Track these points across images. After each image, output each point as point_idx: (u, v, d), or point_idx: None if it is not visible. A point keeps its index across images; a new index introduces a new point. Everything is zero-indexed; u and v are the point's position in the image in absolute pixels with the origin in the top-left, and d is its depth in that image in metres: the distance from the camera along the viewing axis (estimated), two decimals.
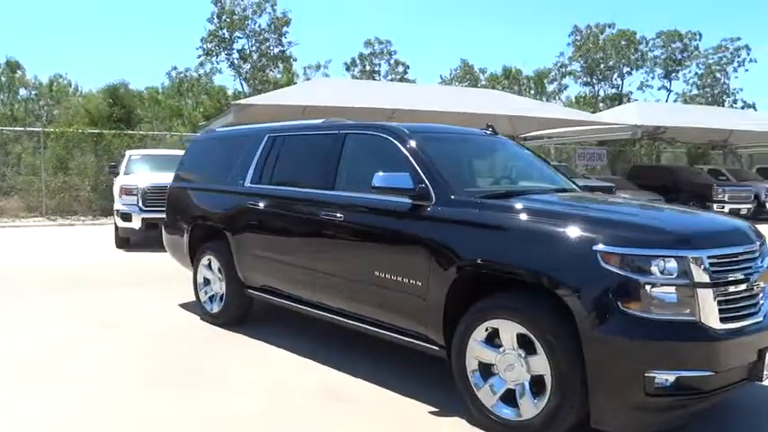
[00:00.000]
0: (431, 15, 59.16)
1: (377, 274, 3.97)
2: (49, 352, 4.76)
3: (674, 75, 34.26)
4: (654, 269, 2.89)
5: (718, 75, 33.74)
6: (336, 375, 4.28)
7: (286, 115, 15.52)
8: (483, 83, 31.68)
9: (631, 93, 33.93)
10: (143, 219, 10.61)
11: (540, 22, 59.33)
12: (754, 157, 26.83)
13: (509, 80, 32.34)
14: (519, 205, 3.45)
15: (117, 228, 11.03)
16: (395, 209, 3.91)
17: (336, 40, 57.30)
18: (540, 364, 3.14)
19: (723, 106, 32.09)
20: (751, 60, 33.76)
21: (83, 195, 16.68)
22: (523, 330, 3.20)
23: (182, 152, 13.82)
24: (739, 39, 34.18)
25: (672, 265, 2.89)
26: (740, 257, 3.13)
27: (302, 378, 4.23)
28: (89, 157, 16.89)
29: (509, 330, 3.27)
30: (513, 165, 4.73)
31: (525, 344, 3.23)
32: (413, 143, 4.08)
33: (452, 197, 3.70)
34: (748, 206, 17.45)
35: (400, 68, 33.55)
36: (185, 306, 6.32)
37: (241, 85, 22.22)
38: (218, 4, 22.14)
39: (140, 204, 10.72)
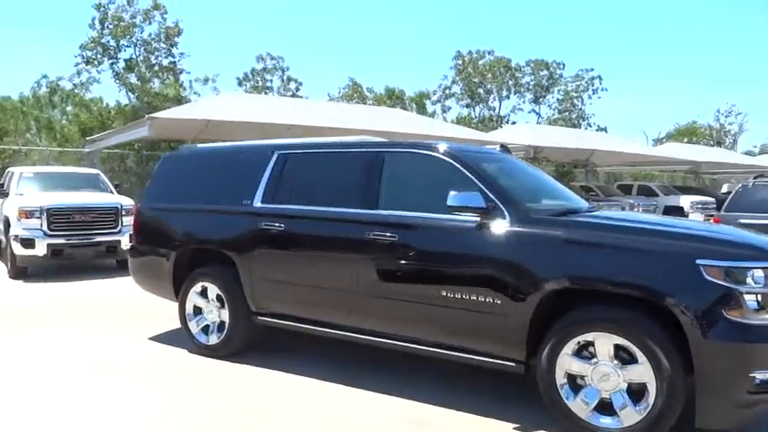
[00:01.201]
0: (322, 33, 59.89)
1: (443, 293, 3.93)
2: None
3: (541, 99, 37.98)
4: (749, 279, 3.20)
5: (575, 101, 38.01)
6: (406, 403, 4.13)
7: (198, 129, 14.82)
8: (370, 102, 32.46)
9: (509, 115, 37.10)
10: (48, 245, 9.44)
11: (427, 46, 62.51)
12: (610, 174, 30.36)
13: (392, 100, 33.50)
14: (609, 223, 3.65)
15: (13, 256, 9.66)
16: (463, 227, 3.92)
17: (224, 55, 55.66)
18: (642, 372, 3.32)
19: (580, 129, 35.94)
20: (603, 89, 38.60)
21: None
22: (622, 341, 3.36)
23: (82, 170, 12.66)
24: (593, 69, 38.90)
25: (760, 274, 3.23)
26: None
27: (375, 410, 4.03)
28: None
29: (605, 342, 3.42)
30: (536, 183, 4.91)
31: (621, 354, 3.41)
32: (470, 162, 4.12)
33: (530, 215, 3.80)
34: None
35: (292, 85, 33.41)
36: (158, 339, 5.73)
37: (127, 96, 20.60)
38: (101, 10, 20.30)
39: (45, 228, 9.53)
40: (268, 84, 33.56)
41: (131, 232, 10.20)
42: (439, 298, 3.95)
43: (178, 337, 5.70)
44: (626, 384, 3.40)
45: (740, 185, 8.66)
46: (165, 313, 6.59)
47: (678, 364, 3.24)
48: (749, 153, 41.03)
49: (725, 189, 34.30)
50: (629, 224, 3.74)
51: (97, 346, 5.52)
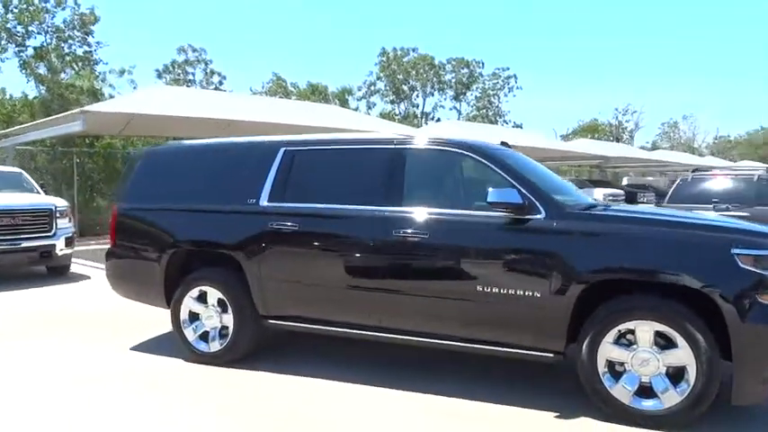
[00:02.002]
0: (245, 26, 58.12)
1: (479, 289, 3.97)
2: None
3: (462, 97, 39.07)
4: None
5: (492, 99, 39.48)
6: (436, 398, 4.12)
7: (123, 123, 13.89)
8: (294, 98, 31.90)
9: (433, 112, 37.88)
10: None
11: (351, 42, 62.34)
12: None
13: (315, 95, 33.12)
14: (644, 216, 3.83)
15: None
16: (497, 223, 3.97)
17: (141, 46, 52.44)
18: (682, 356, 3.53)
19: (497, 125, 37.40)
20: (518, 87, 40.38)
21: None
22: (663, 328, 3.56)
23: (2, 168, 11.48)
24: (509, 68, 40.56)
25: None
26: None
27: (405, 406, 4.00)
28: None
29: (647, 329, 3.60)
30: (549, 178, 4.98)
31: (658, 340, 3.61)
32: (498, 159, 4.19)
33: (564, 210, 3.92)
34: None
35: (216, 78, 32.06)
36: (143, 349, 5.35)
37: (36, 88, 18.80)
38: None
39: None
40: (190, 77, 32.24)
41: (68, 235, 9.65)
42: (474, 293, 3.98)
43: (165, 346, 5.38)
44: (665, 368, 3.60)
45: (680, 179, 9.38)
46: (139, 320, 6.21)
47: (714, 347, 3.48)
48: (643, 148, 44.40)
49: (625, 181, 37.03)
50: (662, 217, 3.96)
51: (75, 359, 5.07)
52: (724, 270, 3.47)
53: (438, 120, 34.26)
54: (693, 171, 9.45)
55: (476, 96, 39.71)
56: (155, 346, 5.47)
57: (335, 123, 16.98)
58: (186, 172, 5.20)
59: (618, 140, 45.64)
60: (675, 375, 3.59)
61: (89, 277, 9.51)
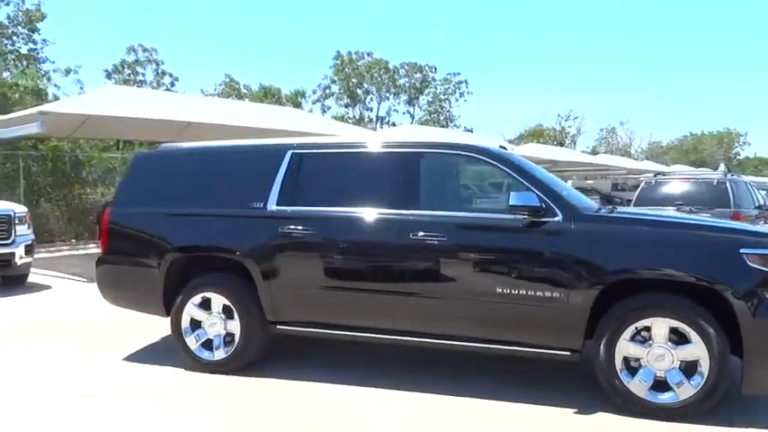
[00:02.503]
0: (198, 27, 56.63)
1: (499, 290, 4.06)
2: None
3: (415, 101, 39.50)
4: None
5: (443, 104, 40.13)
6: (456, 399, 4.18)
7: (76, 125, 13.29)
8: (247, 100, 31.36)
9: (388, 116, 38.11)
10: None
11: (304, 45, 61.86)
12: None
13: (268, 98, 32.67)
14: (656, 219, 4.02)
15: None
16: (515, 226, 4.08)
17: (87, 45, 50.13)
18: (695, 350, 3.72)
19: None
20: (469, 92, 41.26)
21: None
22: (678, 324, 3.75)
23: None
24: (459, 74, 41.34)
25: None
26: None
27: (426, 407, 4.04)
28: None
29: (662, 326, 3.78)
30: (555, 181, 5.05)
31: (672, 336, 3.80)
32: (515, 164, 4.31)
33: (580, 212, 4.06)
34: None
35: (167, 80, 31.03)
36: (137, 359, 5.17)
37: None
38: None
39: None
40: (140, 77, 31.14)
41: (27, 243, 9.15)
42: (494, 295, 4.07)
43: (158, 355, 5.24)
44: (679, 363, 3.79)
45: (644, 183, 9.84)
46: (122, 330, 6.03)
47: (725, 342, 3.69)
48: (584, 153, 46.15)
49: (569, 184, 38.59)
50: (671, 220, 4.17)
51: (67, 372, 4.84)
52: (734, 269, 3.69)
53: (393, 124, 34.57)
54: (656, 175, 9.95)
55: (427, 101, 40.37)
56: (147, 356, 5.29)
57: (296, 127, 16.82)
58: (186, 175, 5.07)
59: (561, 145, 47.26)
60: (688, 369, 3.79)
61: (50, 287, 9.08)
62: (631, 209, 5.05)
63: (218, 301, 4.78)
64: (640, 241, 3.90)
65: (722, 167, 11.45)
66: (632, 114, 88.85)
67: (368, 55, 38.02)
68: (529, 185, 4.13)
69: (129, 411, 4.04)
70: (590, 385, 4.17)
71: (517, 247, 4.11)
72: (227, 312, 4.77)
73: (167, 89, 29.78)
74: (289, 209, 4.62)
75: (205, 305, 4.83)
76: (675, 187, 9.37)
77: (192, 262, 4.95)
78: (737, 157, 64.54)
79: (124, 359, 5.21)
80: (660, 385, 3.84)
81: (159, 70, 31.85)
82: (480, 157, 4.37)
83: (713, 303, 3.77)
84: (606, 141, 59.77)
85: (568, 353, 4.02)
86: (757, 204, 9.64)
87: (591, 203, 4.60)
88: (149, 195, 5.12)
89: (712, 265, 3.73)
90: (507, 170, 4.26)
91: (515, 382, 4.49)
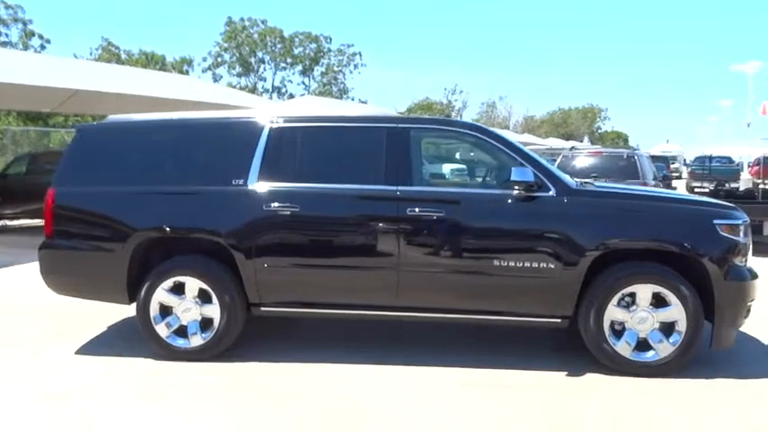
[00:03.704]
0: None
1: (497, 263, 4.18)
2: None
3: (309, 72, 38.53)
4: (741, 233, 4.19)
5: (337, 75, 39.65)
6: (452, 370, 4.26)
7: None
8: (127, 66, 28.72)
9: (283, 86, 36.78)
10: None
11: (191, 11, 57.40)
12: None
13: (152, 65, 30.23)
14: (640, 193, 4.31)
15: None
16: (513, 200, 4.18)
17: None
18: (674, 312, 4.09)
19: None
20: (362, 65, 41.11)
21: None
22: (660, 289, 4.09)
23: None
24: (353, 45, 40.90)
25: (745, 229, 4.24)
26: None
27: (424, 378, 4.08)
28: None
29: (646, 291, 4.11)
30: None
31: (653, 300, 4.14)
32: (504, 140, 4.40)
33: (570, 187, 4.25)
34: None
35: (36, 42, 27.38)
36: (92, 352, 4.71)
37: None
38: None
39: None
40: (3, 38, 27.36)
41: None
42: (491, 267, 4.18)
43: (117, 345, 4.84)
44: (658, 324, 4.15)
45: (562, 156, 10.47)
46: (65, 319, 5.45)
47: (699, 303, 4.09)
48: None
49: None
50: (653, 194, 4.49)
51: (21, 372, 4.32)
52: (709, 237, 4.08)
53: (291, 95, 33.65)
54: (571, 149, 10.63)
55: (321, 72, 39.81)
56: (102, 347, 4.85)
57: (196, 96, 15.91)
58: (152, 150, 4.64)
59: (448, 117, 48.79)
60: (666, 330, 4.16)
61: None
62: (616, 184, 5.38)
63: (192, 284, 4.46)
64: (627, 214, 4.19)
65: (586, 140, 12.47)
66: (510, 90, 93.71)
67: (262, 23, 36.58)
68: (523, 162, 4.25)
69: (114, 411, 3.70)
70: (571, 348, 4.45)
71: (514, 220, 4.24)
72: (204, 296, 4.47)
73: (36, 52, 26.60)
74: (272, 185, 4.39)
75: (177, 290, 4.49)
76: (589, 161, 10.10)
77: (162, 244, 4.57)
78: (599, 130, 70.53)
79: (77, 352, 4.73)
80: (642, 346, 4.18)
81: (27, 30, 28.30)
82: (475, 134, 4.42)
83: (687, 270, 4.14)
84: (488, 115, 62.66)
85: (560, 320, 4.24)
86: (654, 176, 10.65)
87: (572, 179, 4.85)
88: (105, 173, 4.61)
89: (692, 235, 4.09)
90: (502, 147, 4.35)
91: (505, 351, 4.66)
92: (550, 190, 4.20)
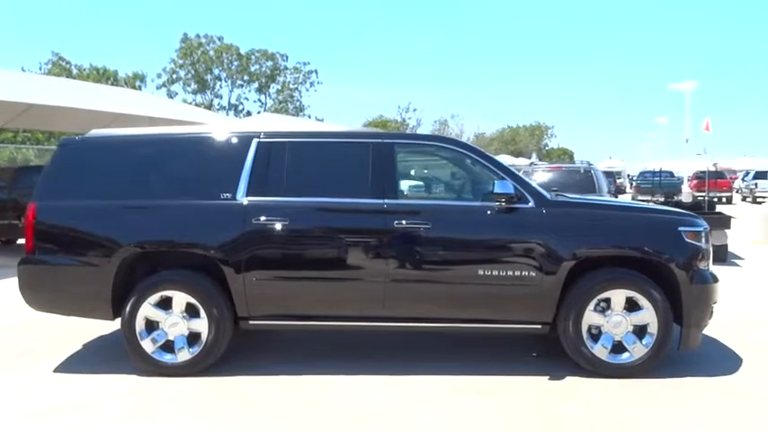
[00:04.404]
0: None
1: (480, 273, 4.36)
2: None
3: (265, 90, 38.33)
4: (703, 239, 4.51)
5: (294, 93, 39.60)
6: (442, 378, 4.37)
7: None
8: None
9: (239, 104, 36.39)
10: None
11: (145, 26, 56.12)
12: None
13: (104, 81, 29.41)
14: (611, 203, 4.58)
15: None
16: (492, 212, 4.38)
17: None
18: (646, 316, 4.36)
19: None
20: (319, 82, 41.35)
21: None
22: (633, 294, 4.35)
23: None
24: (309, 63, 41.06)
25: (706, 236, 4.57)
26: None
27: (415, 388, 4.19)
28: None
29: (620, 296, 4.36)
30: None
31: (626, 304, 4.40)
32: (484, 155, 4.61)
33: (547, 199, 4.49)
34: None
35: None
36: (71, 369, 4.64)
37: None
38: None
39: None
40: None
41: None
42: (476, 277, 4.36)
43: (97, 362, 4.79)
44: (631, 327, 4.41)
45: (522, 171, 10.83)
46: (33, 338, 5.36)
47: (668, 306, 4.38)
48: None
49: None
50: (624, 204, 4.78)
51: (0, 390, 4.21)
52: (676, 244, 4.39)
53: (249, 113, 33.40)
54: (530, 164, 11.04)
55: (276, 89, 39.72)
56: (84, 364, 4.78)
57: (152, 112, 15.67)
58: (137, 165, 4.62)
59: None
60: (639, 332, 4.42)
61: None
62: (587, 196, 5.68)
63: (180, 299, 4.46)
64: (601, 223, 4.46)
65: (534, 157, 13.01)
66: (461, 108, 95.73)
67: (218, 39, 36.34)
68: (503, 175, 4.47)
69: (107, 426, 3.67)
70: (551, 354, 4.67)
71: (495, 232, 4.44)
72: (191, 311, 4.47)
73: None
74: (262, 199, 4.45)
75: (164, 304, 4.48)
76: (549, 175, 10.51)
77: (148, 258, 4.56)
78: (546, 147, 72.75)
79: (56, 371, 4.64)
80: (617, 348, 4.43)
81: None
82: (456, 148, 4.62)
83: (655, 275, 4.43)
84: (440, 132, 63.70)
85: (540, 326, 4.45)
86: (609, 190, 11.17)
87: (547, 192, 5.11)
88: (89, 187, 4.58)
89: (661, 242, 4.39)
90: (481, 160, 4.56)
91: (488, 358, 4.83)
92: (529, 202, 4.43)
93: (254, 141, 4.60)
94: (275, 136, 4.67)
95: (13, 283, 6.81)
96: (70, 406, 3.96)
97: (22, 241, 11.55)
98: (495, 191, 4.27)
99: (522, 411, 3.87)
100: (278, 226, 4.41)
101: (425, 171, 4.79)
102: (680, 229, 4.43)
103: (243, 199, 4.45)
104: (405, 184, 4.59)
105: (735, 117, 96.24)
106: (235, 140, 4.66)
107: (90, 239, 4.51)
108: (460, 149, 4.63)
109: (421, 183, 4.74)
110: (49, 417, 3.79)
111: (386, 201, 4.42)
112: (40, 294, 4.60)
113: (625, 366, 4.39)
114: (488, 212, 4.41)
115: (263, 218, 4.41)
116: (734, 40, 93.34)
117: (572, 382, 4.34)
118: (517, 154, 58.18)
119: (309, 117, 39.54)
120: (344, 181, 4.56)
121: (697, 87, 36.86)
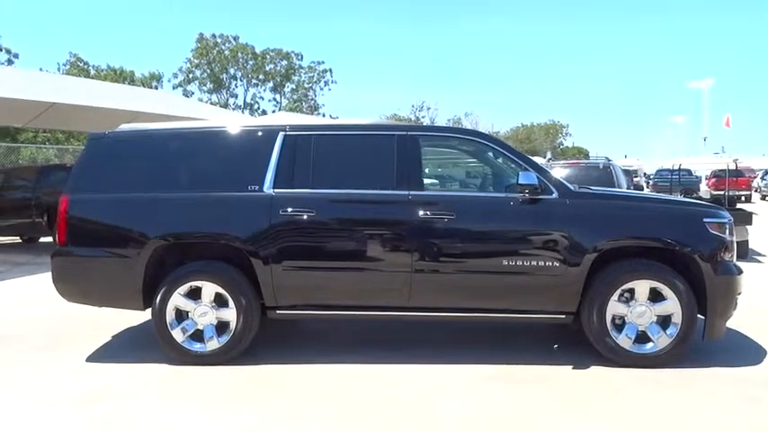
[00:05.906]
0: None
1: (504, 263, 4.40)
2: None
3: (280, 89, 38.62)
4: (727, 231, 4.51)
5: (308, 92, 39.84)
6: (468, 367, 4.42)
7: None
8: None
9: (255, 103, 36.71)
10: None
11: (162, 27, 56.93)
12: None
13: (122, 81, 29.79)
14: (635, 195, 4.60)
15: None
16: (518, 203, 4.42)
17: None
18: (670, 306, 4.37)
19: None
20: (333, 81, 41.53)
21: None
22: (657, 284, 4.37)
23: None
24: (324, 62, 41.29)
25: (730, 228, 4.57)
26: None
27: (457, 375, 4.26)
28: None
29: (644, 286, 4.38)
30: None
31: (650, 294, 4.42)
32: (507, 146, 4.65)
33: (570, 190, 4.52)
34: None
35: (3, 56, 26.66)
36: (104, 359, 4.76)
37: None
38: None
39: None
40: None
41: None
42: (501, 267, 4.40)
43: (127, 353, 4.89)
44: (656, 317, 4.43)
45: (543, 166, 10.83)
46: (65, 330, 5.47)
47: (692, 297, 4.39)
48: None
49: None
50: (646, 196, 4.80)
51: (34, 378, 4.34)
52: (700, 235, 4.39)
53: (264, 111, 33.69)
54: (548, 160, 11.04)
55: (291, 89, 39.98)
56: (115, 354, 4.89)
57: (170, 111, 15.86)
58: (167, 158, 4.74)
59: None
60: (663, 323, 4.44)
61: None
62: (608, 188, 5.70)
63: (209, 289, 4.56)
64: (627, 214, 4.48)
65: (549, 155, 12.98)
66: (475, 107, 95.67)
67: (234, 39, 36.64)
68: (527, 167, 4.51)
69: (145, 411, 3.78)
70: (573, 343, 4.69)
71: (521, 222, 4.47)
72: (220, 301, 4.57)
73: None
74: (289, 191, 4.53)
75: (194, 294, 4.58)
76: (568, 171, 10.49)
77: (178, 249, 4.66)
78: (561, 146, 72.28)
79: (88, 360, 4.76)
80: (641, 338, 4.45)
81: None
82: (480, 140, 4.67)
83: (679, 266, 4.44)
84: None
85: (564, 316, 4.48)
86: (628, 185, 11.13)
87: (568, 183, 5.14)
88: (119, 180, 4.69)
89: (685, 233, 4.39)
90: (505, 152, 4.60)
91: (513, 348, 4.88)
92: (553, 193, 4.47)
93: (281, 134, 4.68)
94: (301, 129, 4.75)
95: (40, 278, 7.03)
96: (105, 393, 4.07)
97: (44, 240, 11.94)
98: (520, 182, 4.31)
99: (552, 398, 3.89)
100: (304, 217, 4.49)
101: (450, 163, 4.83)
102: (705, 220, 4.43)
103: (270, 191, 4.54)
104: (429, 176, 4.64)
105: (752, 116, 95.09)
106: (261, 134, 4.74)
107: (121, 231, 4.62)
108: (484, 141, 4.67)
109: (445, 174, 4.79)
110: (86, 403, 3.90)
111: (410, 192, 4.47)
112: (71, 285, 4.72)
113: (649, 356, 4.41)
114: (512, 203, 4.45)
115: (289, 209, 4.49)
116: (749, 39, 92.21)
117: (598, 372, 4.37)
118: (532, 153, 57.85)
119: (324, 116, 39.83)
120: (369, 173, 4.62)
121: (714, 85, 36.46)
